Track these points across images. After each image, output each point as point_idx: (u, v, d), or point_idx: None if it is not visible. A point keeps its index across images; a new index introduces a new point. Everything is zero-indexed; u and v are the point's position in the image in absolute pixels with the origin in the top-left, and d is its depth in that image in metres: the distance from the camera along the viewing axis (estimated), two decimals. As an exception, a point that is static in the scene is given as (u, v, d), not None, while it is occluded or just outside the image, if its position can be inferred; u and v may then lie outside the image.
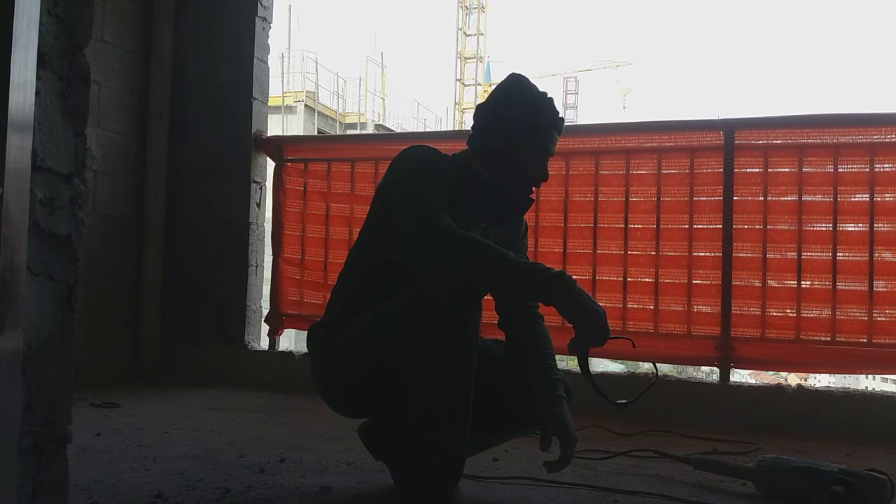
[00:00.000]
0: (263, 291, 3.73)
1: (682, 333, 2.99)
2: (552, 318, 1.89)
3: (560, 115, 1.68)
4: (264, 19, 3.70)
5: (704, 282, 2.98)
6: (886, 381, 21.32)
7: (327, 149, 3.82)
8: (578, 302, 1.38)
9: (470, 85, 32.95)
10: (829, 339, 2.81)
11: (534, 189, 1.72)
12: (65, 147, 1.05)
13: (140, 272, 3.60)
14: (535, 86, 1.68)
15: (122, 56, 3.53)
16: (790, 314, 2.87)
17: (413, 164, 1.59)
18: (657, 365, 1.79)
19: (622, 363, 6.11)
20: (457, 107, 31.99)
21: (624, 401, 1.49)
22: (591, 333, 1.39)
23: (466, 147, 1.70)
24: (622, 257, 3.08)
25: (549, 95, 1.67)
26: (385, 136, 8.89)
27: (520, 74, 1.70)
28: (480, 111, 1.70)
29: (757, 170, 2.94)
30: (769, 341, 2.89)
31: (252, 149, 3.62)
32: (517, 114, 1.63)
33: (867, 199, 2.80)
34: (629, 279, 3.07)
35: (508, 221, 1.76)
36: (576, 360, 1.47)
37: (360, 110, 19.36)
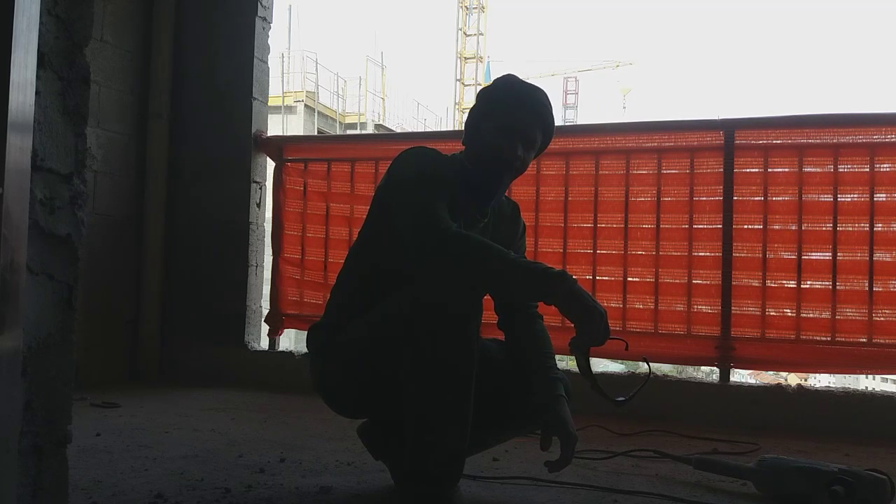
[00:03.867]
0: (263, 291, 3.73)
1: (682, 333, 2.99)
2: (552, 318, 1.89)
3: (543, 103, 1.64)
4: (264, 19, 3.70)
5: (704, 282, 2.98)
6: (886, 381, 21.32)
7: (327, 149, 3.82)
8: (579, 301, 1.38)
9: (470, 85, 32.96)
10: (829, 339, 2.81)
11: (506, 173, 1.64)
12: (65, 147, 1.05)
13: (140, 272, 3.60)
14: (519, 79, 1.69)
15: (122, 56, 3.53)
16: (790, 314, 2.87)
17: (413, 165, 1.59)
18: (652, 364, 1.79)
19: (622, 363, 6.11)
20: (457, 107, 32.01)
21: (622, 398, 1.49)
22: (593, 333, 1.39)
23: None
24: (622, 257, 3.08)
25: (534, 86, 1.66)
26: (385, 136, 8.89)
27: (509, 74, 1.71)
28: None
29: (757, 170, 2.94)
30: (769, 341, 2.89)
31: (252, 149, 3.62)
32: (487, 95, 1.67)
33: (867, 199, 2.80)
34: (629, 279, 3.08)
35: (480, 204, 1.68)
36: (575, 360, 1.47)
37: (360, 110, 19.36)
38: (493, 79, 1.75)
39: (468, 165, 1.65)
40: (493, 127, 1.62)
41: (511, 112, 1.61)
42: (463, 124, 1.73)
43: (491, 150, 1.61)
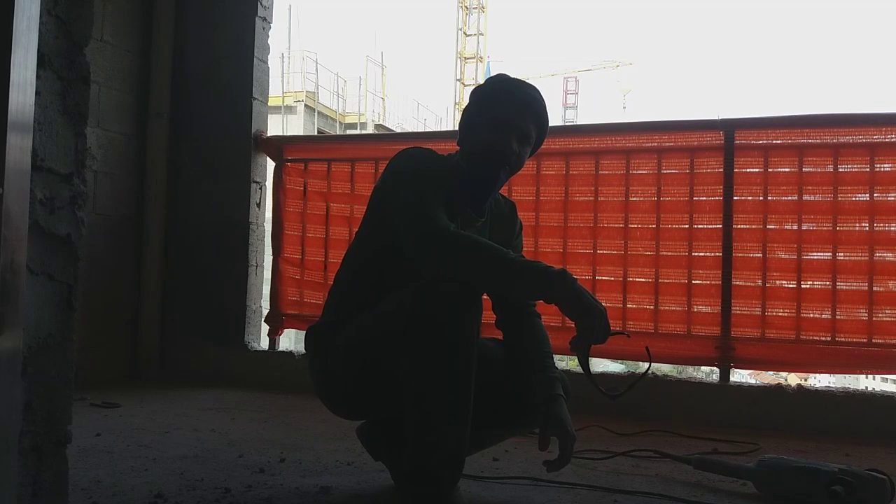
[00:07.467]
0: (263, 291, 3.73)
1: (682, 333, 2.99)
2: (552, 318, 1.89)
3: (534, 97, 1.64)
4: (264, 19, 3.70)
5: (704, 282, 2.98)
6: (886, 381, 21.34)
7: (327, 149, 3.82)
8: (580, 300, 1.39)
9: (470, 85, 32.93)
10: (829, 339, 2.81)
11: (504, 170, 1.63)
12: (65, 147, 1.05)
13: (140, 272, 3.60)
14: (509, 76, 1.70)
15: (122, 56, 3.53)
16: (790, 314, 2.87)
17: (410, 165, 1.60)
18: (652, 364, 1.79)
19: (622, 363, 6.11)
20: (457, 107, 31.98)
21: (617, 393, 1.49)
22: (593, 331, 1.39)
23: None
24: (622, 257, 3.08)
25: (525, 82, 1.67)
26: (385, 136, 8.88)
27: (500, 73, 1.72)
28: None
29: (757, 170, 2.94)
30: (769, 341, 2.89)
31: (252, 149, 3.62)
32: (479, 93, 1.67)
33: (867, 199, 2.80)
34: (629, 279, 3.07)
35: (476, 201, 1.68)
36: (576, 359, 1.47)
37: (360, 110, 19.38)
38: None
39: (463, 164, 1.65)
40: (487, 122, 1.62)
41: (503, 107, 1.61)
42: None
43: (485, 146, 1.61)
